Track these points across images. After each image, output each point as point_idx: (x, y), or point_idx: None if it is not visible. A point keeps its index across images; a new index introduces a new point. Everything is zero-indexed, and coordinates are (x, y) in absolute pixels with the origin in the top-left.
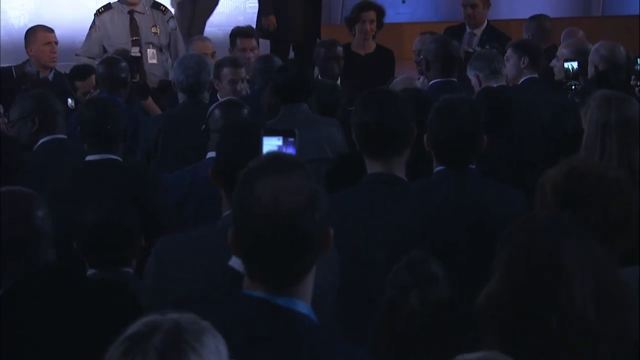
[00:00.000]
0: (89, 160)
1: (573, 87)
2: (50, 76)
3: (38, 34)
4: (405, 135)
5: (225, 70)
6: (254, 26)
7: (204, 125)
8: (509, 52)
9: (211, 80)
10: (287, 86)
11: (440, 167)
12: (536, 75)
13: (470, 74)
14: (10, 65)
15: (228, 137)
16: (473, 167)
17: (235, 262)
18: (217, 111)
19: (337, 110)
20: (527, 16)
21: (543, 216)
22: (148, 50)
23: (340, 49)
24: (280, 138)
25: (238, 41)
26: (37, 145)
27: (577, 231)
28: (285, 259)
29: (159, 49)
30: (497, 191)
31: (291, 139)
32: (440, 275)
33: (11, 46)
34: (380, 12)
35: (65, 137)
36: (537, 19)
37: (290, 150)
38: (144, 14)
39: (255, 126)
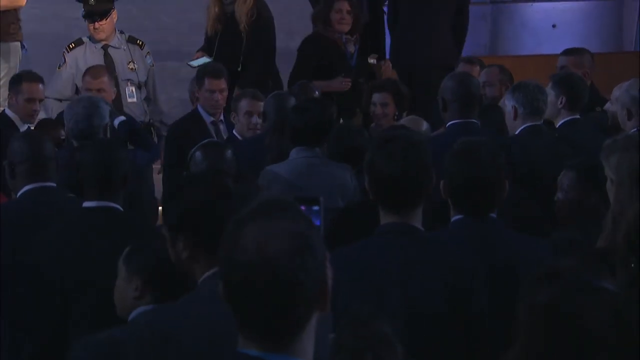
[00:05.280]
0: (86, 207)
1: None
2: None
3: None
4: (428, 187)
5: (243, 102)
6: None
7: (184, 172)
8: (549, 86)
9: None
10: (306, 128)
11: (458, 216)
12: (577, 117)
13: (508, 103)
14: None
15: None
16: (494, 215)
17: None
18: (198, 154)
19: (363, 156)
20: (553, 51)
21: (564, 271)
22: (126, 88)
23: (316, 93)
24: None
25: (206, 81)
26: (19, 194)
27: (601, 287)
28: (274, 312)
29: (137, 87)
30: (521, 242)
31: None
32: (393, 336)
33: None
34: (399, 95)
35: (54, 185)
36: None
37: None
38: (119, 48)
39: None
